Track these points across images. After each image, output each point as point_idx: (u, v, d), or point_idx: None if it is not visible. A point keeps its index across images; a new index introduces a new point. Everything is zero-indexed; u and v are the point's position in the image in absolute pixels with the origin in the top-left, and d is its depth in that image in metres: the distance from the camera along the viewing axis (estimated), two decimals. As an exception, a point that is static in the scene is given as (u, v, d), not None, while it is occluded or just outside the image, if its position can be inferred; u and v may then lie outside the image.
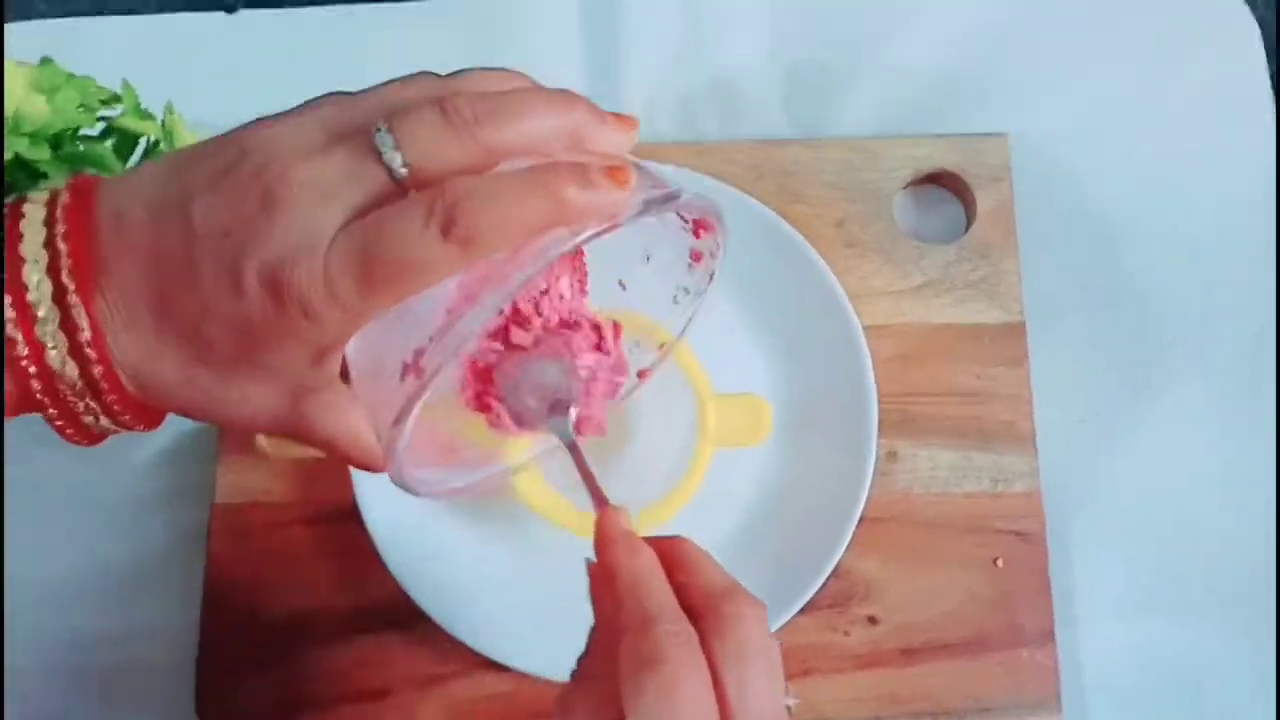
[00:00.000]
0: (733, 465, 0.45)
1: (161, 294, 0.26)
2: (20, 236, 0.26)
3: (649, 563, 0.29)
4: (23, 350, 0.26)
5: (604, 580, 0.29)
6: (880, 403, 0.46)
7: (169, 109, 0.46)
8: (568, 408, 0.36)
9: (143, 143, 0.46)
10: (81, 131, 0.44)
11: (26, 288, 0.26)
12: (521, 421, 0.36)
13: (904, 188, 0.51)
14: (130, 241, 0.26)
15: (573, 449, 0.34)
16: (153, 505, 0.49)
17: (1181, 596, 0.46)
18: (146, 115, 0.45)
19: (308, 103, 0.28)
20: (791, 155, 0.51)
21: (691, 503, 0.43)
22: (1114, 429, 0.49)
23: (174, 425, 0.50)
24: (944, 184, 0.51)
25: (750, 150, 0.51)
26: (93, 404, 0.27)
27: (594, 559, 0.30)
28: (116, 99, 0.45)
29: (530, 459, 0.40)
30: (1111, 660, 0.46)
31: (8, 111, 0.41)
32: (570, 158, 0.27)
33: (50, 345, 0.26)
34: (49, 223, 0.26)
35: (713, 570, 0.30)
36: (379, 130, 0.26)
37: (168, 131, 0.46)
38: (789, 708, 0.28)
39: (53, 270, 0.26)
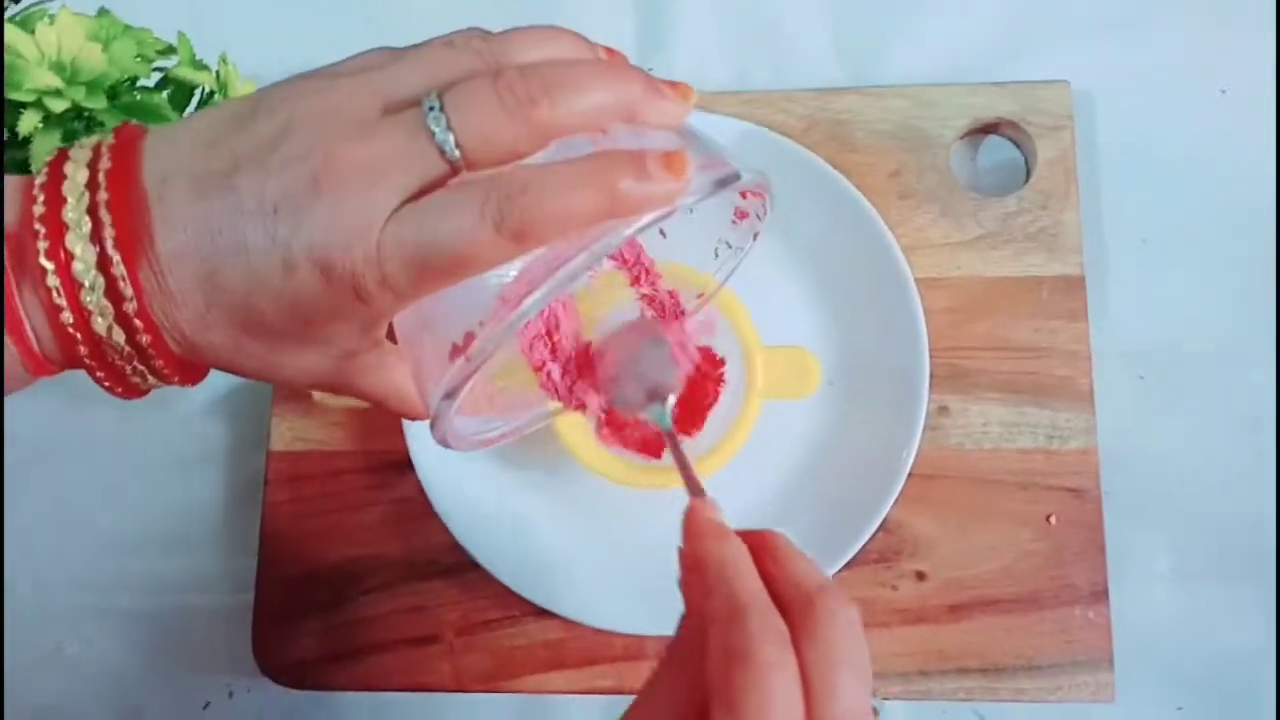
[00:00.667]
0: (781, 418, 0.45)
1: (209, 268, 0.26)
2: (63, 200, 0.26)
3: (739, 552, 0.28)
4: (68, 318, 0.26)
5: (693, 569, 0.29)
6: (932, 357, 0.45)
7: (223, 60, 0.46)
8: (666, 395, 0.36)
9: (198, 93, 0.46)
10: (139, 82, 0.44)
11: (71, 255, 0.26)
12: (617, 407, 0.36)
13: (961, 137, 0.50)
14: (175, 213, 0.26)
15: (670, 438, 0.34)
16: (210, 455, 0.51)
17: (1237, 562, 0.45)
18: (201, 66, 0.46)
19: (352, 60, 0.28)
20: (845, 104, 0.50)
21: (739, 455, 0.43)
22: (1174, 387, 0.47)
23: (229, 378, 0.51)
24: (1003, 133, 0.50)
25: (802, 99, 0.50)
26: (140, 366, 0.27)
27: (683, 547, 0.30)
28: (172, 50, 0.45)
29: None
30: (1163, 622, 0.45)
31: (65, 60, 0.42)
32: (625, 132, 0.26)
33: (96, 313, 0.26)
34: (91, 187, 0.26)
35: (805, 564, 0.29)
36: (431, 109, 0.25)
37: (222, 83, 0.46)
38: (875, 710, 0.27)
39: (96, 238, 0.26)
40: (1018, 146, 0.50)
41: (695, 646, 0.27)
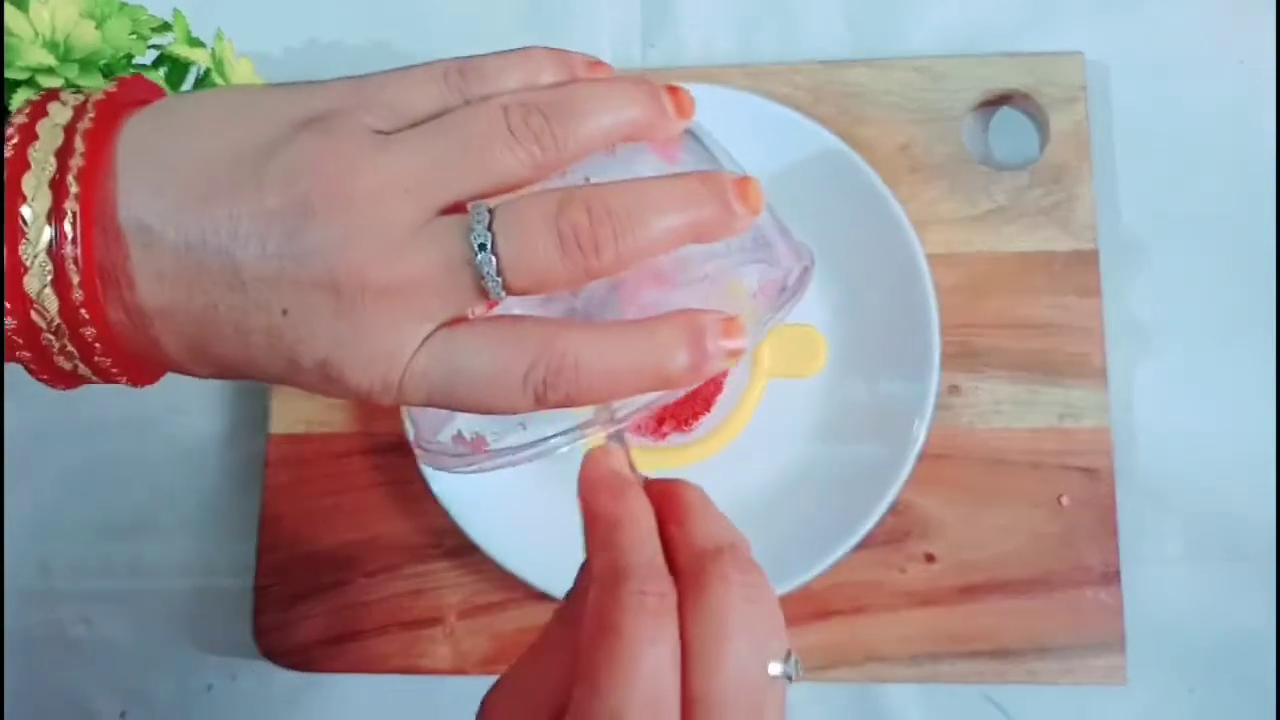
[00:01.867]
0: (788, 397, 0.44)
1: (200, 335, 0.24)
2: (22, 235, 0.23)
3: (634, 510, 0.25)
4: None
5: (589, 525, 0.26)
6: (942, 335, 0.44)
7: (219, 36, 0.45)
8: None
9: (194, 71, 0.45)
10: (134, 60, 0.43)
11: (30, 299, 0.23)
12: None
13: (973, 110, 0.48)
14: (162, 270, 0.23)
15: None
16: (211, 438, 0.50)
17: (1252, 543, 0.44)
18: (197, 43, 0.45)
19: (377, 107, 0.24)
20: (854, 76, 0.49)
21: (744, 435, 0.43)
22: (1189, 365, 0.46)
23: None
24: (1015, 105, 0.49)
25: (811, 71, 0.49)
26: (72, 349, 0.25)
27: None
28: (167, 27, 0.44)
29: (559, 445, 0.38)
30: (1176, 603, 0.44)
31: (58, 37, 0.41)
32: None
33: (43, 324, 0.24)
34: (54, 217, 0.23)
35: (709, 523, 0.26)
36: (482, 248, 0.23)
37: (218, 60, 0.45)
38: (789, 678, 0.24)
39: (57, 262, 0.23)
40: (1030, 119, 0.49)
41: (581, 608, 0.25)
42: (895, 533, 0.44)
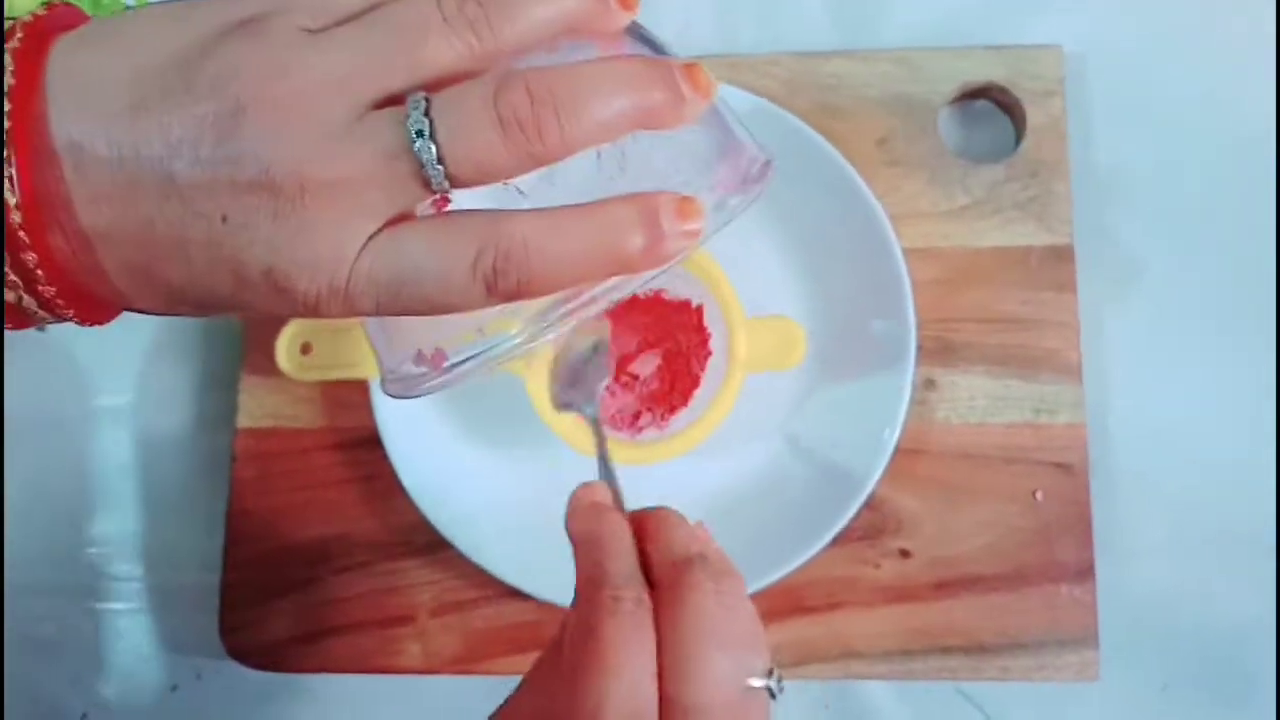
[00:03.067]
0: (764, 391, 0.44)
1: (142, 258, 0.23)
2: None
3: (613, 528, 0.27)
4: None
5: (574, 548, 0.28)
6: (919, 329, 0.44)
7: None
8: (597, 392, 0.37)
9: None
10: None
11: None
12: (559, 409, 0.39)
13: (950, 103, 0.48)
14: (97, 190, 0.23)
15: (596, 428, 0.35)
16: (177, 432, 0.49)
17: (1225, 539, 0.44)
18: None
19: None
20: (831, 68, 0.48)
21: (721, 429, 0.42)
22: (1164, 360, 0.46)
23: (203, 352, 0.50)
24: (992, 98, 0.48)
25: (788, 63, 0.48)
26: (15, 278, 0.23)
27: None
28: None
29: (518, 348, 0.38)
30: (1149, 600, 0.44)
31: None
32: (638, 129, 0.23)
33: None
34: None
35: (681, 535, 0.27)
36: (419, 135, 0.22)
37: None
38: (770, 691, 0.25)
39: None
40: (1007, 112, 0.48)
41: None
42: (870, 528, 0.44)
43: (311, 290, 0.23)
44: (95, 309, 0.25)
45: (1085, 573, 0.43)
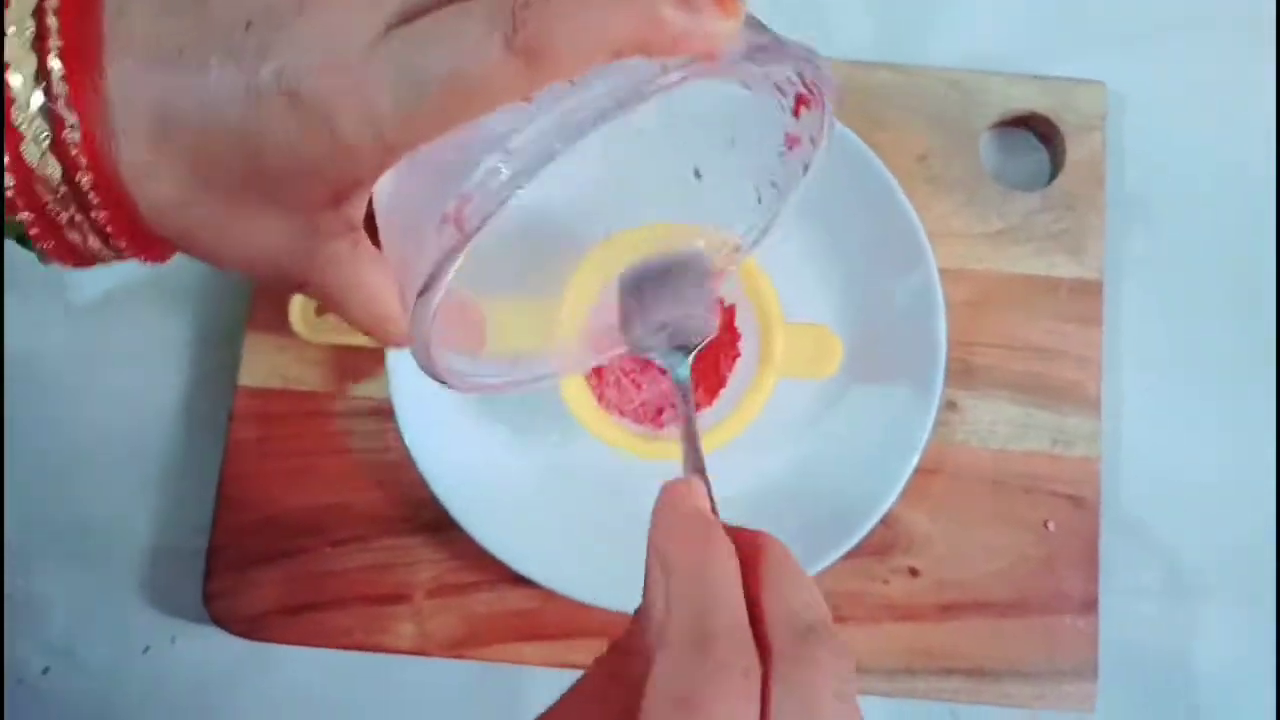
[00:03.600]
0: (788, 400, 0.43)
1: (164, 94, 0.21)
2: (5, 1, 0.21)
3: (724, 565, 0.22)
4: None
5: (661, 569, 0.22)
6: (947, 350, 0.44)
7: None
8: (692, 345, 0.29)
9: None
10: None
11: (6, 64, 0.21)
12: (632, 347, 0.30)
13: (991, 127, 0.48)
14: (133, 28, 0.21)
15: (683, 391, 0.28)
16: (177, 387, 0.47)
17: (1228, 581, 0.45)
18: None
19: None
20: (879, 79, 0.48)
21: (745, 434, 0.41)
22: (1182, 402, 0.47)
23: (205, 304, 0.47)
24: (1033, 128, 0.49)
25: (836, 69, 0.48)
26: (79, 217, 0.22)
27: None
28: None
29: (580, 366, 0.36)
30: (1147, 636, 0.45)
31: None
32: None
33: (29, 135, 0.21)
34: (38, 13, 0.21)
35: (800, 591, 0.22)
36: None
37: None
38: None
39: (39, 47, 0.21)
40: (1046, 143, 0.49)
41: (637, 662, 0.22)
42: (881, 544, 0.44)
43: (322, 91, 0.21)
44: (143, 236, 0.23)
45: (1089, 605, 0.44)
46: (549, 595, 0.43)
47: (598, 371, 0.43)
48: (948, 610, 0.44)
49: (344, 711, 0.45)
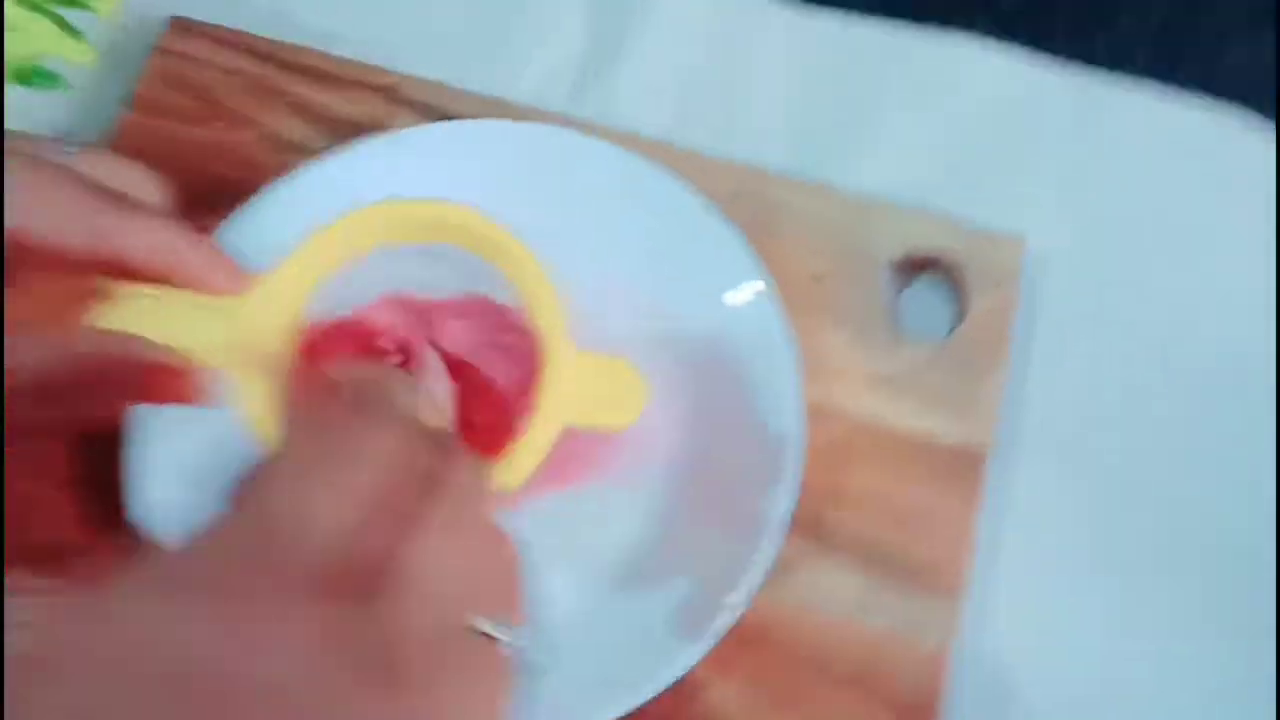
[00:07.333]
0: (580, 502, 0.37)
1: None
2: None
3: None
4: None
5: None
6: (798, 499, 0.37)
7: None
8: None
9: None
10: None
11: None
12: None
13: (895, 262, 0.43)
14: None
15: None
16: None
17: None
18: None
19: None
20: (781, 192, 0.43)
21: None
22: (1055, 598, 0.40)
23: None
24: (938, 273, 0.44)
25: (737, 172, 0.44)
26: None
27: None
28: None
29: None
30: None
31: None
32: None
33: None
34: None
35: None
36: None
37: None
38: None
39: None
40: (952, 291, 0.44)
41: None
42: (671, 714, 0.36)
43: None
44: None
45: (910, 836, 0.36)
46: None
47: None
48: (739, 812, 0.36)
49: None
